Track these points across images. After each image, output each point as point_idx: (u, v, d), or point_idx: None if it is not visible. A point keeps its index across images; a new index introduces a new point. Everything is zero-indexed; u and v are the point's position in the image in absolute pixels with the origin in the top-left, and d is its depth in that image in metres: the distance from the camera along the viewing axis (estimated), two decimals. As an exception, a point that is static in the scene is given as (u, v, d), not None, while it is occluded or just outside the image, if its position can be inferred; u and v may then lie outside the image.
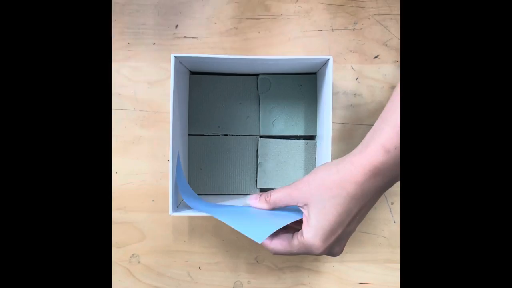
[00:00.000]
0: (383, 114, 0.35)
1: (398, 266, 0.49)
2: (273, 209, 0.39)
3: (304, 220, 0.37)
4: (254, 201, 0.40)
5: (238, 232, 0.49)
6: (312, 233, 0.35)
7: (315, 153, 0.47)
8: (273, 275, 0.50)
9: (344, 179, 0.34)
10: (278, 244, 0.37)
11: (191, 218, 0.49)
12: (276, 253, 0.38)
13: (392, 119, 0.33)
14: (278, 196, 0.38)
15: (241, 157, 0.48)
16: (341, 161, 0.35)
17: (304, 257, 0.49)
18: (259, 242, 0.36)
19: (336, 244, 0.37)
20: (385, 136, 0.33)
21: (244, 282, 0.50)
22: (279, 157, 0.47)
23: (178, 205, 0.43)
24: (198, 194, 0.49)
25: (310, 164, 0.47)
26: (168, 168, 0.48)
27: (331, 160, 0.41)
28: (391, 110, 0.34)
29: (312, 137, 0.48)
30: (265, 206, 0.39)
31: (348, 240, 0.49)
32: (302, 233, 0.36)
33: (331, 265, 0.50)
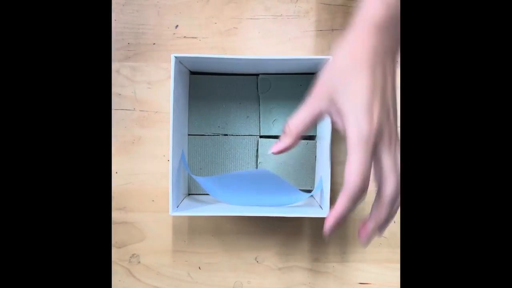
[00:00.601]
0: None
1: (398, 266, 0.49)
2: (299, 138, 0.35)
3: (338, 121, 0.33)
4: (276, 145, 0.36)
5: (238, 232, 0.49)
6: (353, 119, 0.32)
7: (315, 153, 0.47)
8: (273, 275, 0.50)
9: (352, 50, 0.32)
10: (355, 177, 0.32)
11: (191, 218, 0.49)
12: (361, 189, 0.31)
13: None
14: (298, 121, 0.34)
15: (241, 157, 0.48)
16: (347, 34, 0.33)
17: (304, 257, 0.49)
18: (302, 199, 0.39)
19: (383, 118, 0.32)
20: None
21: (244, 282, 0.50)
22: (279, 157, 0.47)
23: (178, 205, 0.43)
24: (197, 194, 0.49)
25: (310, 164, 0.47)
26: (168, 168, 0.48)
27: (330, 159, 0.40)
28: None
29: (312, 137, 0.48)
30: (290, 140, 0.35)
31: (348, 240, 0.50)
32: (347, 134, 0.32)
33: (331, 265, 0.50)
